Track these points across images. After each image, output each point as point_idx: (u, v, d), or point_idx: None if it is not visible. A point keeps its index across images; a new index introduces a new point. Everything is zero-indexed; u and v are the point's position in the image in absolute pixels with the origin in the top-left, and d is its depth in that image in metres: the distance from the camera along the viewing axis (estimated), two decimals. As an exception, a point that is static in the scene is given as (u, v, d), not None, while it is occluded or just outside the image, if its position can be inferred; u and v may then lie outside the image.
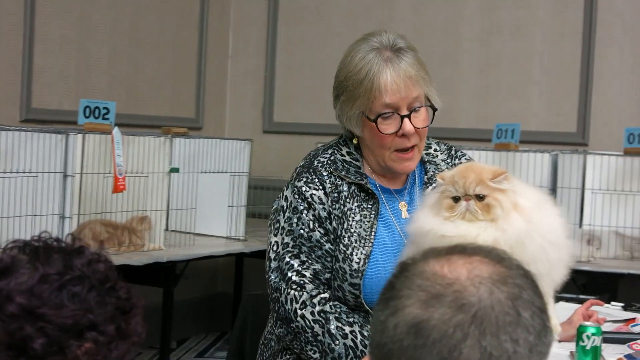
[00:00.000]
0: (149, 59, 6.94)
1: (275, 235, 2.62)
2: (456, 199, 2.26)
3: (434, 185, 2.65)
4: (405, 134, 2.55)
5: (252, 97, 7.67)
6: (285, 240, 2.58)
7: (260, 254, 6.06)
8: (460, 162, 2.74)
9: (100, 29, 6.53)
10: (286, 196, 2.64)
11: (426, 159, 2.76)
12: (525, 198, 2.24)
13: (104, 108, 4.94)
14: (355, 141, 2.70)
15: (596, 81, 6.34)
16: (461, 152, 2.84)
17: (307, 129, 7.32)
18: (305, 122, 7.41)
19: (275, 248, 2.61)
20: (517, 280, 1.32)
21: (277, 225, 2.62)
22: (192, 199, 5.99)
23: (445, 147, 2.84)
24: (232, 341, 3.77)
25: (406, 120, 2.53)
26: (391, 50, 2.60)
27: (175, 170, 5.64)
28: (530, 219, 2.18)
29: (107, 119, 4.95)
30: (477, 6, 6.79)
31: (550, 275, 2.17)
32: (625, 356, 2.66)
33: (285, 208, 2.62)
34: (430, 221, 2.26)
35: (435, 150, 2.80)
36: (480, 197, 2.23)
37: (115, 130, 4.84)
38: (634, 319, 3.16)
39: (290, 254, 2.57)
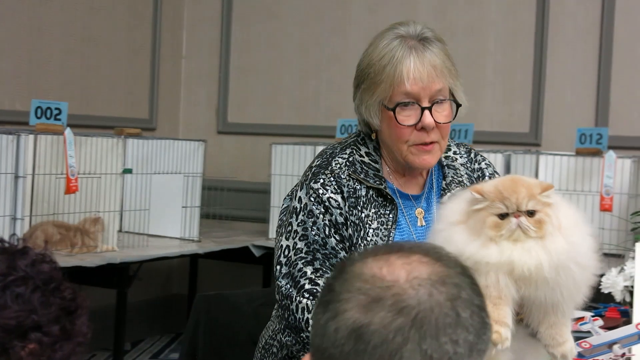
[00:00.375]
0: (101, 59, 6.89)
1: (287, 239, 2.44)
2: (502, 216, 2.07)
3: (452, 192, 2.50)
4: (424, 127, 2.38)
5: (206, 97, 7.64)
6: (299, 245, 2.41)
7: (215, 255, 6.05)
8: (480, 167, 2.60)
9: (53, 29, 6.47)
10: (300, 197, 2.46)
11: (445, 163, 2.58)
12: (565, 215, 2.11)
13: (56, 109, 4.90)
14: (373, 136, 2.53)
15: (548, 82, 6.38)
16: (481, 155, 2.68)
17: (262, 130, 7.30)
18: (260, 123, 7.39)
19: (286, 253, 2.43)
20: (456, 279, 1.32)
21: (290, 228, 2.45)
22: (145, 200, 5.96)
23: (465, 149, 2.67)
24: (184, 342, 3.76)
25: (427, 112, 2.37)
26: (417, 39, 2.45)
27: (128, 171, 5.61)
28: (571, 241, 2.06)
29: (59, 119, 4.92)
30: (430, 7, 6.81)
31: (573, 297, 2.06)
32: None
33: (298, 210, 2.44)
34: (468, 247, 2.06)
35: (454, 153, 2.63)
36: (530, 213, 2.06)
37: (68, 131, 4.80)
38: (583, 318, 3.17)
39: (303, 260, 2.40)
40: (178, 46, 7.68)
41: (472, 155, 2.64)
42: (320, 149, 6.14)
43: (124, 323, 5.51)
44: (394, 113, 2.40)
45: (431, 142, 2.41)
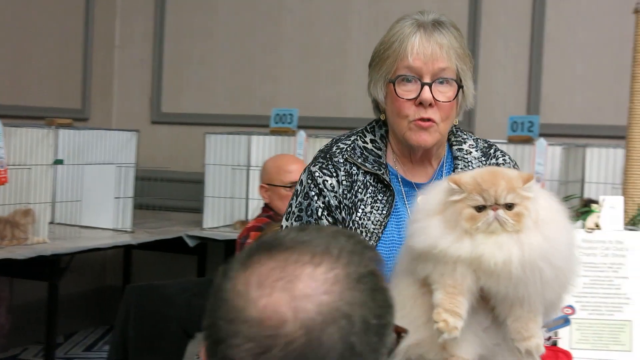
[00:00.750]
0: (32, 48, 6.79)
1: (286, 220, 2.49)
2: (479, 209, 2.02)
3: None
4: (422, 103, 2.36)
5: (140, 87, 7.57)
6: (294, 224, 2.46)
7: (149, 246, 6.02)
8: (497, 163, 2.55)
9: (-18, 18, 6.37)
10: (301, 180, 2.50)
11: (457, 155, 2.55)
12: (544, 208, 2.06)
13: (-15, 99, 4.84)
14: (382, 117, 2.50)
15: (481, 71, 6.41)
16: (501, 152, 2.62)
17: (196, 120, 7.26)
18: (194, 113, 7.35)
19: None
20: (345, 307, 1.26)
21: (290, 209, 2.49)
22: (77, 191, 5.91)
23: (484, 144, 2.62)
24: (115, 334, 3.74)
25: (426, 87, 2.35)
26: (430, 22, 2.42)
27: (59, 162, 5.55)
28: (547, 235, 2.01)
29: (-12, 110, 4.85)
30: (364, -4, 6.83)
31: (541, 294, 2.01)
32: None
33: (298, 192, 2.48)
34: (442, 240, 2.03)
35: (470, 146, 2.58)
36: (509, 206, 2.02)
37: (-4, 122, 4.74)
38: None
39: None
40: (111, 35, 7.60)
41: (492, 150, 2.59)
42: (254, 138, 6.19)
43: (56, 316, 5.45)
44: (394, 85, 2.39)
45: (429, 120, 2.38)
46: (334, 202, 2.43)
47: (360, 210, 2.42)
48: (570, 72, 6.32)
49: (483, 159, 2.54)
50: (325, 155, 2.48)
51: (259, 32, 7.16)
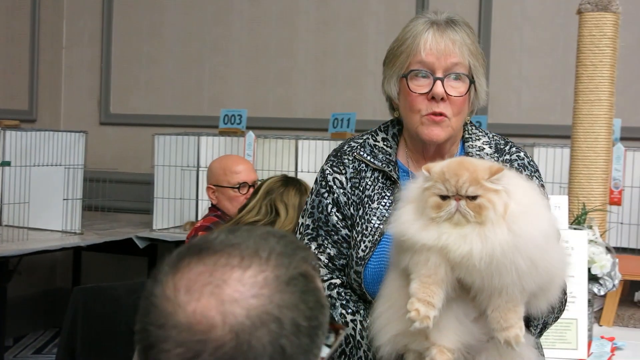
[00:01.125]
0: (-22, 50, 6.73)
1: (302, 217, 2.53)
2: (444, 197, 2.03)
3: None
4: (434, 97, 2.36)
5: (88, 88, 7.52)
6: (307, 222, 2.49)
7: (98, 248, 5.97)
8: (510, 159, 2.50)
9: None
10: (316, 178, 2.55)
11: (469, 151, 2.52)
12: (516, 201, 2.04)
13: None
14: (396, 114, 2.52)
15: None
16: (516, 148, 2.56)
17: (144, 121, 7.23)
18: (142, 114, 7.31)
19: (301, 229, 2.51)
20: (276, 310, 1.27)
21: (305, 206, 2.54)
22: (25, 192, 5.84)
23: (500, 140, 2.58)
24: (63, 337, 3.70)
25: (438, 82, 2.36)
26: (443, 20, 2.43)
27: (6, 163, 5.50)
28: (514, 230, 1.99)
29: None
30: (312, -3, 6.84)
31: (519, 285, 1.99)
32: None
33: (313, 190, 2.53)
34: (410, 227, 2.04)
35: (484, 142, 2.54)
36: (472, 197, 2.01)
37: (-59, 123, 4.69)
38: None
39: (309, 236, 2.47)
40: (58, 36, 7.54)
41: (508, 147, 2.55)
42: (203, 139, 6.17)
43: (4, 318, 5.40)
44: (407, 80, 2.40)
45: (440, 114, 2.38)
46: (342, 198, 2.47)
47: (367, 206, 2.44)
48: (517, 72, 6.37)
49: (496, 155, 2.51)
50: (336, 154, 2.52)
51: (208, 32, 7.14)
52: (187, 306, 1.24)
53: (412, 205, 2.09)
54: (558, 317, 2.44)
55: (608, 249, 3.35)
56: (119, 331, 3.77)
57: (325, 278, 2.43)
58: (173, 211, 6.31)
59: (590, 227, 3.37)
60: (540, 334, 2.38)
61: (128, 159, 7.22)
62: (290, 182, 3.94)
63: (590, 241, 3.28)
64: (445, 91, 2.37)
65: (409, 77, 2.40)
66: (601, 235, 3.45)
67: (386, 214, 2.42)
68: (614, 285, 3.32)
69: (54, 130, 6.22)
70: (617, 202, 5.26)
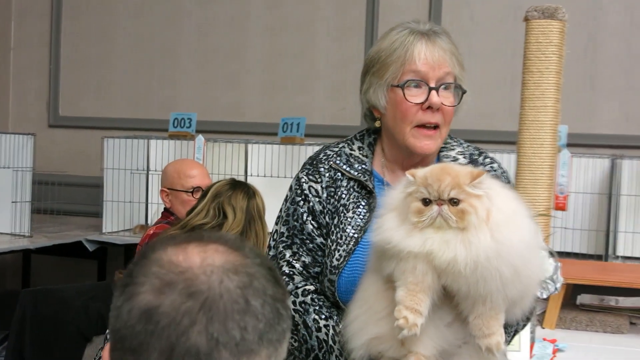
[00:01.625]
0: None
1: (276, 224, 2.54)
2: (426, 202, 2.04)
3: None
4: (431, 106, 2.37)
5: (37, 90, 7.46)
6: (281, 230, 2.49)
7: (48, 250, 5.93)
8: (486, 170, 2.41)
9: None
10: (291, 185, 2.54)
11: (443, 160, 2.52)
12: (498, 208, 2.05)
13: None
14: (377, 123, 2.50)
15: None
16: (491, 159, 2.59)
17: (94, 123, 7.18)
18: (92, 117, 7.27)
19: (274, 237, 2.52)
20: (250, 269, 1.35)
21: (280, 214, 2.54)
22: (-28, 195, 5.80)
23: (475, 151, 2.59)
24: (11, 337, 3.69)
25: (434, 92, 2.37)
26: (427, 30, 2.44)
27: (-47, 165, 5.45)
28: (497, 237, 2.00)
29: None
30: (263, 1, 6.84)
31: (502, 292, 2.01)
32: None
33: (287, 198, 2.53)
34: (395, 234, 2.05)
35: (458, 153, 2.56)
36: (454, 202, 2.02)
37: None
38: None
39: (284, 244, 2.48)
40: (6, 38, 7.47)
41: (481, 158, 2.57)
42: (153, 142, 6.16)
43: (-48, 321, 5.34)
44: (403, 90, 2.40)
45: (435, 127, 2.40)
46: (318, 207, 2.46)
47: (342, 215, 2.44)
48: (466, 78, 6.42)
49: (470, 165, 2.49)
50: (312, 162, 2.52)
51: (158, 36, 7.12)
52: (172, 252, 1.34)
53: (395, 212, 2.10)
54: (526, 324, 2.46)
55: (551, 253, 3.39)
56: (67, 332, 3.77)
57: (300, 285, 2.44)
58: (122, 214, 6.28)
59: (534, 231, 3.41)
60: (510, 340, 2.40)
61: (77, 162, 7.17)
62: (238, 186, 3.96)
63: (535, 245, 3.32)
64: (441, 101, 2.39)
65: (405, 87, 2.40)
66: (544, 240, 3.50)
67: (361, 224, 2.42)
68: (556, 289, 3.37)
69: (2, 132, 6.18)
70: (563, 208, 5.32)
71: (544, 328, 3.79)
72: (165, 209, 4.64)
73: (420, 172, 2.08)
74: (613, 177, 5.39)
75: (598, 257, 5.41)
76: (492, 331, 2.05)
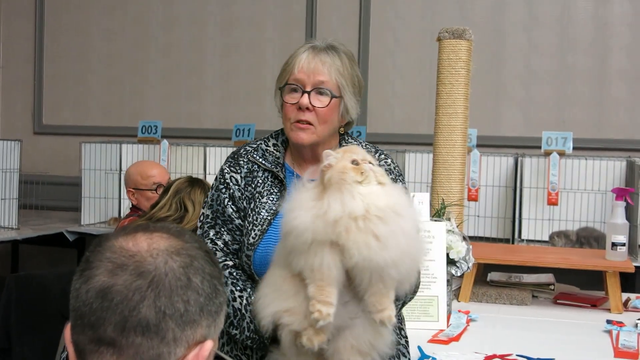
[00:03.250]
0: None
1: (203, 208, 2.56)
2: (355, 163, 2.10)
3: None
4: (300, 107, 2.43)
5: (23, 102, 7.34)
6: (207, 213, 2.52)
7: (33, 241, 5.86)
8: (379, 165, 2.45)
9: None
10: (217, 176, 2.57)
11: None
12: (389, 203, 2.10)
13: None
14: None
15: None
16: (385, 155, 2.61)
17: (73, 131, 7.09)
18: (71, 125, 7.18)
19: (201, 218, 2.54)
20: (191, 251, 1.35)
21: (207, 199, 2.56)
22: (-34, 193, 5.69)
23: (371, 148, 2.61)
24: (-1, 317, 3.62)
25: (305, 95, 2.43)
26: (324, 46, 2.49)
27: (-51, 168, 5.33)
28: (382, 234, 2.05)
29: None
30: (217, 26, 6.80)
31: (395, 274, 2.05)
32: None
33: (214, 186, 2.55)
34: (308, 219, 2.06)
35: None
36: (355, 163, 2.11)
37: None
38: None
39: (208, 225, 2.50)
40: (-4, 58, 7.37)
41: (377, 155, 2.58)
42: (124, 146, 6.09)
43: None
44: (282, 92, 2.48)
45: (306, 122, 2.44)
46: (237, 193, 2.49)
47: (257, 201, 2.48)
48: (391, 89, 6.43)
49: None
50: (234, 156, 2.56)
51: (128, 55, 7.05)
52: (123, 240, 1.35)
53: (309, 202, 2.10)
54: (414, 296, 2.48)
55: (464, 237, 3.40)
56: (49, 313, 3.69)
57: (220, 260, 2.45)
58: (99, 209, 6.21)
59: (448, 219, 3.41)
60: (400, 309, 2.42)
61: (59, 164, 7.08)
62: (195, 183, 3.90)
63: (449, 231, 3.32)
64: (310, 103, 2.43)
65: (284, 90, 2.47)
66: (458, 226, 3.49)
67: (273, 208, 2.46)
68: (468, 268, 3.37)
69: (-8, 139, 6.07)
70: (474, 198, 5.34)
71: (459, 301, 3.79)
72: (132, 205, 4.57)
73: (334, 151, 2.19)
74: (517, 172, 5.42)
75: (506, 240, 5.43)
76: (384, 307, 2.07)
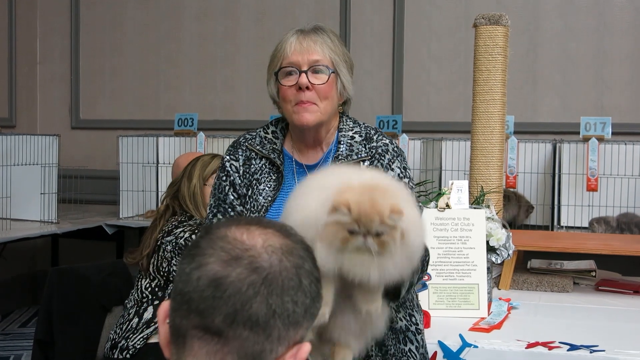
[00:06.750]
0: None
1: (209, 198, 2.59)
2: (353, 232, 1.88)
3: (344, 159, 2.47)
4: (300, 86, 2.40)
5: (60, 98, 7.42)
6: (211, 202, 2.54)
7: (73, 234, 5.90)
8: (377, 146, 2.48)
9: None
10: (219, 166, 2.59)
11: (341, 140, 2.54)
12: (408, 220, 1.91)
13: None
14: (281, 111, 2.53)
15: (355, 78, 6.44)
16: (383, 136, 2.55)
17: (110, 125, 7.15)
18: (108, 119, 7.24)
19: (208, 208, 2.57)
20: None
21: (212, 189, 2.57)
22: (7, 188, 5.74)
23: (371, 130, 2.57)
24: (41, 310, 3.64)
25: (303, 74, 2.40)
26: (310, 28, 2.48)
27: (-11, 164, 5.39)
28: (409, 252, 1.92)
29: None
30: (251, 15, 6.80)
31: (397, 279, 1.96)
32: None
33: (216, 175, 2.57)
34: (329, 256, 1.87)
35: (355, 132, 2.55)
36: (378, 234, 1.87)
37: None
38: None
39: (212, 213, 2.52)
40: (33, 53, 7.43)
41: (376, 136, 2.54)
42: (161, 139, 6.12)
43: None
44: (277, 76, 2.44)
45: (307, 101, 2.41)
46: (237, 180, 2.50)
47: (255, 187, 2.48)
48: (426, 78, 6.40)
49: (364, 142, 2.52)
50: (234, 145, 2.56)
51: (162, 48, 7.08)
52: (236, 231, 1.34)
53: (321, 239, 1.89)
54: (422, 277, 2.44)
55: (503, 225, 3.37)
56: (89, 305, 3.72)
57: None
58: (136, 202, 6.25)
59: (487, 207, 3.38)
60: (408, 291, 2.34)
61: (96, 158, 7.14)
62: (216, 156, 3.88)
63: (488, 218, 3.30)
64: (309, 81, 2.41)
65: (279, 74, 2.44)
66: (497, 213, 3.47)
67: (270, 194, 2.46)
68: (508, 255, 3.34)
69: (31, 134, 6.12)
70: (513, 186, 5.30)
71: (499, 289, 3.77)
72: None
73: (354, 204, 1.87)
74: (555, 158, 5.37)
75: (545, 227, 5.39)
76: (373, 299, 2.00)
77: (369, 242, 1.88)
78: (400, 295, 2.27)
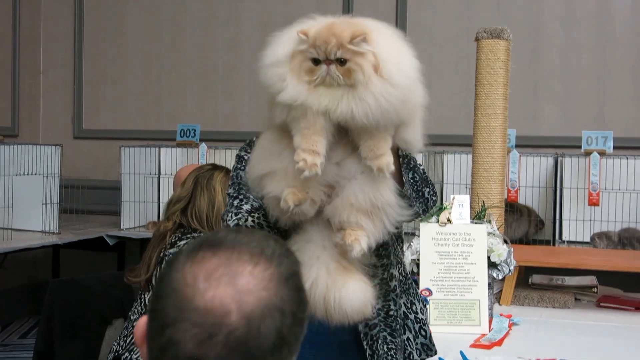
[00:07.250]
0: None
1: (228, 189, 2.51)
2: (316, 61, 1.89)
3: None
4: None
5: (63, 107, 7.41)
6: (229, 191, 2.45)
7: (74, 245, 5.90)
8: None
9: None
10: (235, 162, 2.54)
11: None
12: (384, 59, 1.91)
13: None
14: None
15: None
16: None
17: (112, 135, 7.15)
18: (110, 129, 7.23)
19: (227, 199, 2.47)
20: (279, 303, 1.25)
21: (230, 181, 2.50)
22: (8, 198, 5.73)
23: None
24: (42, 321, 3.65)
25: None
26: None
27: (-9, 173, 5.39)
28: (389, 83, 1.89)
29: None
30: (254, 24, 6.80)
31: (393, 119, 1.93)
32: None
33: (233, 170, 2.50)
34: (298, 92, 1.90)
35: None
36: (342, 61, 1.86)
37: None
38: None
39: (232, 198, 2.42)
40: (36, 63, 7.43)
41: None
42: (163, 150, 6.12)
43: (-7, 308, 5.29)
44: None
45: None
46: None
47: None
48: (428, 90, 6.37)
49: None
50: (248, 142, 2.52)
51: (164, 57, 7.09)
52: (205, 292, 1.21)
53: (287, 67, 1.95)
54: (426, 210, 2.36)
55: (505, 240, 3.36)
56: (90, 316, 3.72)
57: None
58: (138, 213, 6.24)
59: (489, 222, 3.37)
60: (424, 210, 2.33)
61: (98, 168, 7.13)
62: (217, 168, 3.82)
63: (489, 233, 3.29)
64: None
65: None
66: (498, 229, 3.46)
67: None
68: (510, 271, 3.33)
69: (34, 144, 6.13)
70: (514, 200, 5.29)
71: (500, 305, 3.75)
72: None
73: (312, 30, 1.92)
74: (557, 172, 5.37)
75: (547, 242, 5.38)
76: (382, 152, 1.95)
77: (332, 69, 1.88)
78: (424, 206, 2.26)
